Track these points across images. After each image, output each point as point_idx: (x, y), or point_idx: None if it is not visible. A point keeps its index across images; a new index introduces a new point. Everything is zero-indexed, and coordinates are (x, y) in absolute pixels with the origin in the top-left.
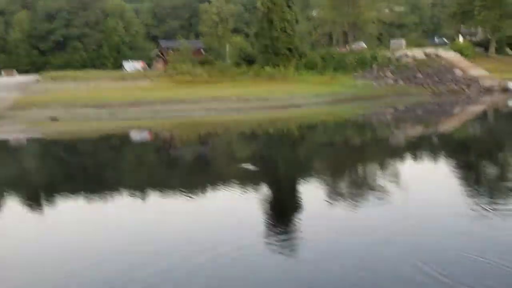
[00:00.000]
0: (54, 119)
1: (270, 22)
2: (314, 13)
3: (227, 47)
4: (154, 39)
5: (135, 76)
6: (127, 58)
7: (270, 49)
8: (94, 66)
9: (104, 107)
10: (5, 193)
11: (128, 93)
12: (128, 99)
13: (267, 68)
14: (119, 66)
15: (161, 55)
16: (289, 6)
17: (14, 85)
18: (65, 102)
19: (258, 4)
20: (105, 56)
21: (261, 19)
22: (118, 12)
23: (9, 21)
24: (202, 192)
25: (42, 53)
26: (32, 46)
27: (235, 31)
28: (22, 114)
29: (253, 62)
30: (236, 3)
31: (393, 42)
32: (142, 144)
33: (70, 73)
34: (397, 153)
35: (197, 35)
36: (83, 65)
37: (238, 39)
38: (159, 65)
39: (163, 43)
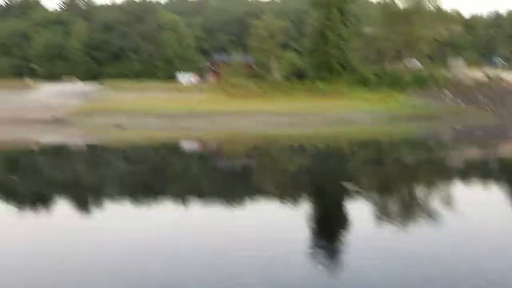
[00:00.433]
0: (118, 126)
1: (325, 38)
2: (365, 29)
3: (275, 61)
4: (204, 52)
5: (189, 88)
6: (178, 69)
7: (323, 64)
8: (146, 76)
9: (164, 116)
10: (53, 196)
11: (185, 104)
12: (185, 110)
13: (320, 83)
14: (171, 77)
15: (212, 68)
16: (343, 23)
17: (77, 92)
18: (127, 111)
19: (312, 20)
20: (157, 67)
21: (315, 34)
22: (172, 25)
23: (68, 31)
24: (247, 204)
25: (98, 62)
26: (88, 55)
27: (284, 46)
28: (86, 120)
29: (304, 77)
30: (285, 19)
31: (452, 61)
32: (200, 154)
33: (129, 83)
34: (458, 175)
35: (246, 49)
36: (136, 75)
37: (290, 54)
38: (211, 78)
39: (215, 57)
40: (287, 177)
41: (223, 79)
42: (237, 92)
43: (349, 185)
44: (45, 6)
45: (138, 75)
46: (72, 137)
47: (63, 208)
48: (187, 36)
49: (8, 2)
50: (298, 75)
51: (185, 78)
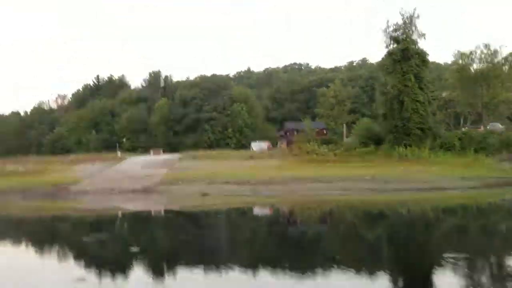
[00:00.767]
0: (205, 194)
1: (401, 103)
2: (443, 94)
3: (344, 127)
4: (273, 120)
5: (262, 155)
6: (248, 138)
7: (400, 129)
8: (218, 145)
9: (244, 184)
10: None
11: (261, 171)
12: (263, 177)
13: (399, 149)
14: (242, 146)
15: (285, 135)
16: (421, 88)
17: (161, 162)
18: (208, 179)
19: (387, 87)
20: (229, 137)
21: (391, 100)
22: (243, 98)
23: (151, 107)
24: (319, 276)
25: (176, 134)
26: (168, 128)
27: (352, 111)
28: (171, 188)
29: (380, 142)
30: (354, 86)
31: None
32: (277, 220)
33: (206, 152)
34: None
35: (313, 117)
36: (210, 145)
37: (365, 119)
38: (283, 145)
39: (287, 125)
40: (365, 245)
41: (296, 146)
42: (311, 158)
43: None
44: (129, 83)
45: (212, 144)
46: (157, 205)
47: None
48: (256, 106)
49: (96, 81)
50: (375, 140)
51: (258, 145)
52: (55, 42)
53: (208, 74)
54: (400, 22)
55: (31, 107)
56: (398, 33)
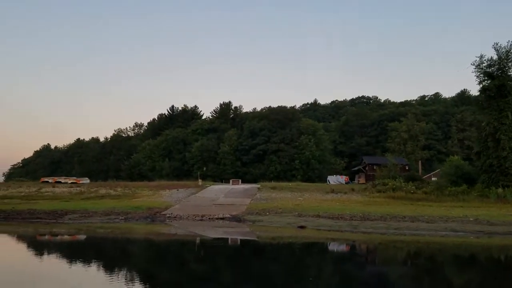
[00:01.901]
0: (301, 227)
1: (497, 141)
2: None
3: (420, 164)
4: (340, 154)
5: (343, 189)
6: (315, 171)
7: (496, 169)
8: (285, 177)
9: (338, 218)
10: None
11: (350, 206)
12: (356, 212)
13: (497, 189)
14: (308, 178)
15: (363, 170)
16: None
17: (242, 191)
18: (296, 211)
19: (483, 125)
20: (296, 168)
21: (485, 137)
22: (311, 130)
23: (220, 137)
24: None
25: (244, 164)
26: (236, 158)
27: (426, 148)
28: (261, 219)
29: (472, 181)
30: (428, 121)
31: None
32: (407, 262)
33: (283, 183)
34: None
35: (383, 151)
36: (276, 176)
37: (455, 157)
38: (361, 179)
39: (366, 159)
40: None
41: (380, 181)
42: (399, 195)
43: None
44: (201, 113)
45: (278, 175)
46: (252, 234)
47: None
48: (324, 139)
49: (170, 111)
50: (465, 179)
51: (336, 179)
52: (131, 75)
53: (274, 105)
54: (495, 57)
55: (111, 134)
56: (493, 68)
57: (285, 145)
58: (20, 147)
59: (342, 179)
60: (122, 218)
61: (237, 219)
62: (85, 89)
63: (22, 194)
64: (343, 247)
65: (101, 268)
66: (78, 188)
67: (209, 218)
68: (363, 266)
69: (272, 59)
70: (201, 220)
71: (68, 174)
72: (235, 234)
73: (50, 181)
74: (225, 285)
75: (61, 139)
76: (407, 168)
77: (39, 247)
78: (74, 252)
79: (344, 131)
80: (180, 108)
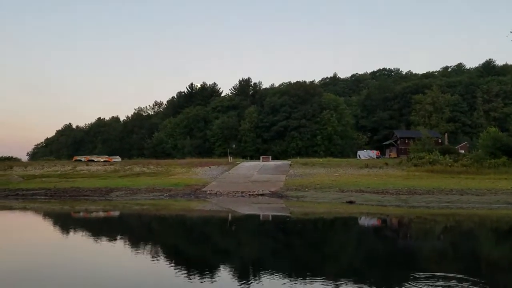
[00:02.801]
0: (350, 202)
1: None
2: None
3: (446, 136)
4: (363, 128)
5: (376, 164)
6: (337, 146)
7: None
8: (307, 153)
9: (383, 193)
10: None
11: (389, 180)
12: (399, 187)
13: None
14: (331, 154)
15: (394, 144)
16: None
17: (273, 168)
18: (336, 186)
19: None
20: (317, 144)
21: None
22: (333, 105)
23: (241, 114)
24: None
25: (265, 141)
26: (257, 135)
27: (451, 120)
28: (303, 195)
29: (511, 153)
30: (453, 93)
31: None
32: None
33: (314, 159)
34: None
35: (407, 125)
36: (298, 152)
37: (493, 128)
38: (392, 154)
39: (398, 133)
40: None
41: (415, 155)
42: (438, 168)
43: None
44: (220, 90)
45: (300, 151)
46: (297, 210)
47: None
48: (346, 114)
49: (189, 89)
50: (504, 151)
51: (366, 154)
52: (151, 54)
53: (293, 80)
54: None
55: (130, 113)
56: None
57: (307, 120)
58: (40, 127)
59: (373, 153)
60: (167, 195)
61: (278, 195)
62: (104, 67)
63: (59, 172)
64: (409, 222)
65: (185, 240)
66: (112, 166)
67: (249, 194)
68: (447, 241)
69: (290, 34)
70: (241, 196)
71: (91, 153)
72: (284, 211)
73: (83, 159)
74: (303, 259)
75: (81, 119)
76: (439, 141)
77: (118, 222)
78: (153, 226)
79: (366, 105)
80: (199, 86)
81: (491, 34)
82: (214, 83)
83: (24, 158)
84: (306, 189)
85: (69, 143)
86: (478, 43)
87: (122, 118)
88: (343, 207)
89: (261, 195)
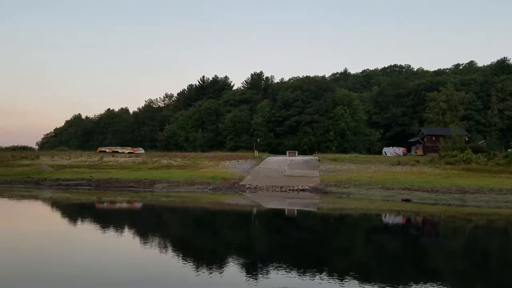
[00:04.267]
0: (407, 200)
1: None
2: None
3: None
4: (375, 125)
5: (407, 161)
6: (350, 142)
7: None
8: (319, 149)
9: (434, 192)
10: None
11: (427, 178)
12: (446, 185)
13: None
14: (343, 150)
15: (421, 141)
16: None
17: (302, 163)
18: (378, 183)
19: None
20: (330, 140)
21: None
22: (346, 100)
23: (253, 108)
24: None
25: (277, 135)
26: (269, 129)
27: (465, 118)
28: (349, 191)
29: None
30: (468, 91)
31: None
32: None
33: (340, 155)
34: None
35: (421, 122)
36: (310, 148)
37: None
38: (419, 151)
39: (424, 130)
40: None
41: (448, 153)
42: (473, 167)
43: None
44: (232, 83)
45: (312, 147)
46: (356, 208)
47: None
48: (360, 110)
49: (201, 82)
50: None
51: (393, 151)
52: (161, 46)
53: (302, 75)
54: None
55: (138, 105)
56: None
57: (320, 116)
58: (46, 117)
59: (400, 150)
60: (210, 188)
61: (322, 191)
62: (111, 58)
63: (87, 163)
64: (493, 224)
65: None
66: (138, 158)
67: (289, 190)
68: None
69: (300, 28)
70: (281, 191)
71: (101, 144)
72: (342, 209)
73: (107, 150)
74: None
75: (90, 110)
76: (467, 139)
77: (190, 215)
78: (217, 219)
79: (379, 101)
80: (210, 79)
81: (504, 33)
82: (226, 77)
83: (34, 147)
84: (346, 185)
85: (78, 133)
86: (490, 41)
87: (131, 109)
88: (403, 206)
89: (302, 190)
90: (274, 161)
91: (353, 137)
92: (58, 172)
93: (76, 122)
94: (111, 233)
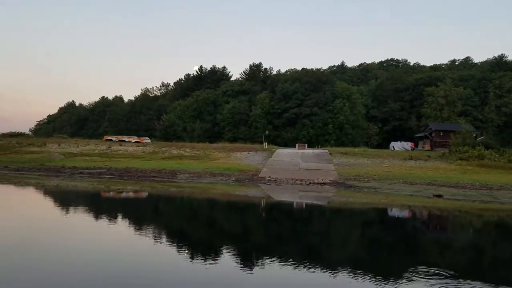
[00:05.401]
0: (439, 196)
1: None
2: None
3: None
4: (373, 119)
5: (419, 156)
6: (348, 136)
7: None
8: (318, 142)
9: (458, 187)
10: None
11: (444, 173)
12: (469, 181)
13: None
14: (341, 143)
15: (428, 136)
16: None
17: (314, 156)
18: (400, 178)
19: None
20: (328, 133)
21: None
22: (346, 94)
23: (252, 100)
24: None
25: (275, 128)
26: (268, 121)
27: (462, 114)
28: (374, 185)
29: None
30: (466, 87)
31: None
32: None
33: (350, 149)
34: None
35: (418, 117)
36: (308, 141)
37: None
38: (426, 146)
39: (432, 126)
40: None
41: (460, 149)
42: (487, 163)
43: None
44: (230, 74)
45: (311, 139)
46: (382, 201)
47: None
48: (359, 104)
49: (199, 72)
50: None
51: (401, 145)
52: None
53: (300, 67)
54: None
55: (134, 93)
56: None
57: (319, 109)
58: (39, 103)
59: (408, 145)
60: (233, 180)
61: (344, 185)
62: (106, 46)
63: (96, 151)
64: None
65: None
66: (146, 148)
67: (310, 183)
68: None
69: (298, 21)
70: (301, 184)
71: (95, 132)
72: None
73: (113, 139)
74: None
75: (83, 97)
76: (474, 135)
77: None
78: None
79: (377, 95)
80: (208, 69)
81: (500, 30)
82: (224, 67)
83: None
84: (366, 179)
85: (72, 121)
86: (486, 38)
87: (126, 98)
88: (441, 202)
89: (322, 183)
90: (285, 153)
91: (351, 131)
92: (70, 160)
93: (70, 109)
94: (194, 225)
